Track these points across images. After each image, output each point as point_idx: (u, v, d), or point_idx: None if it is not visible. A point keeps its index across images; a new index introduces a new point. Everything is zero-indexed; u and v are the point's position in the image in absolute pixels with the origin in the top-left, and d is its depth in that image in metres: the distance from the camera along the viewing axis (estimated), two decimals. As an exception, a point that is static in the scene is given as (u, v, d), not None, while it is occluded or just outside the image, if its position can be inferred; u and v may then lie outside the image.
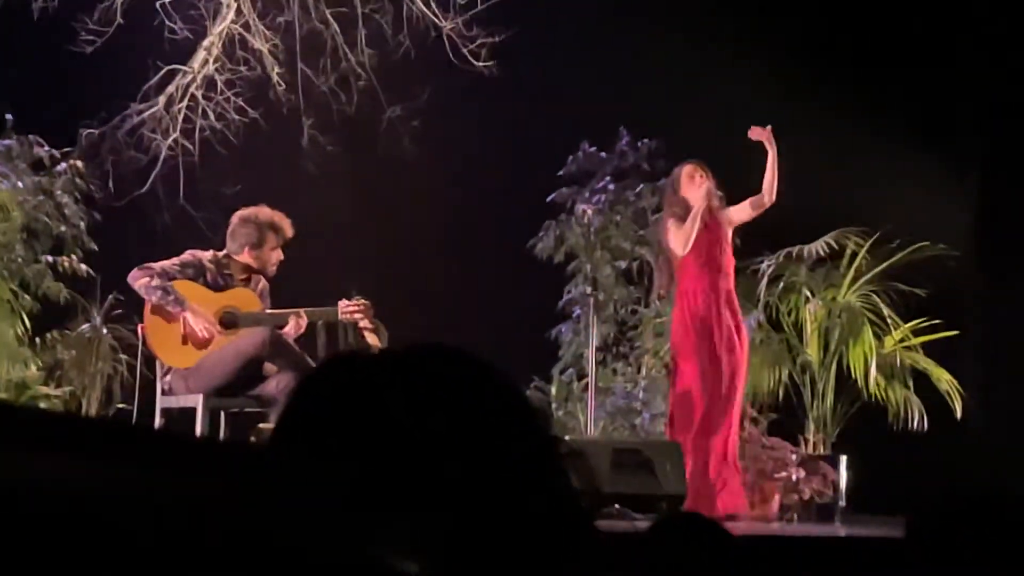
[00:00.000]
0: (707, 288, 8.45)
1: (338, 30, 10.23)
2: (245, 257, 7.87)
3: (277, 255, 7.91)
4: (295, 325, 7.76)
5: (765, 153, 8.53)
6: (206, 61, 10.03)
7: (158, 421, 7.81)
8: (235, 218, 7.95)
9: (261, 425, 6.99)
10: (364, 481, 1.12)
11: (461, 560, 1.11)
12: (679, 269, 8.55)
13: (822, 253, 10.04)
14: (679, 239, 8.47)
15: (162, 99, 9.96)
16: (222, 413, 7.92)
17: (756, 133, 8.57)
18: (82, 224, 9.23)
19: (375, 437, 1.22)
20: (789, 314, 9.97)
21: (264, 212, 7.91)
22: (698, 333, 8.40)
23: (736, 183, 8.62)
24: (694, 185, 8.51)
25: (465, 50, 10.21)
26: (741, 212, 8.63)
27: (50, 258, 9.07)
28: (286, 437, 1.28)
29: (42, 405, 8.42)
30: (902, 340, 9.86)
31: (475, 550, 1.17)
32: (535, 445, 1.28)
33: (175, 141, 9.92)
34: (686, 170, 8.59)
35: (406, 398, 1.25)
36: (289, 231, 7.91)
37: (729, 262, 8.61)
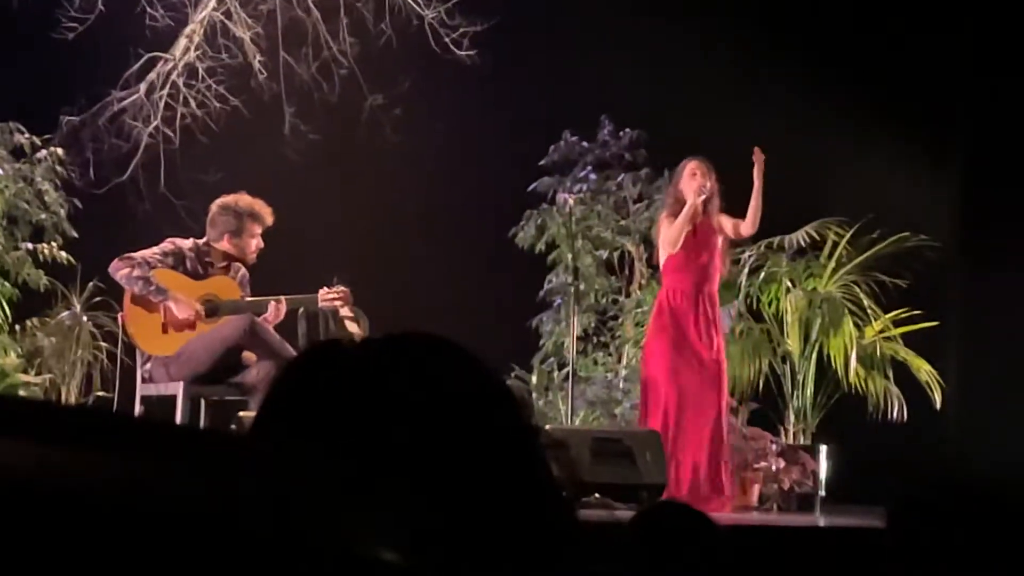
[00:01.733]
0: (688, 289, 8.43)
1: (320, 18, 10.21)
2: (225, 245, 7.86)
3: (257, 243, 7.89)
4: (275, 312, 7.76)
5: (751, 171, 8.45)
6: (187, 49, 10.01)
7: (138, 409, 7.80)
8: (214, 206, 7.93)
9: (242, 413, 6.98)
10: (345, 470, 1.11)
11: (442, 549, 1.11)
12: (664, 265, 8.54)
13: (803, 243, 10.05)
14: (668, 237, 8.46)
15: (143, 86, 9.93)
16: (202, 401, 7.91)
17: (757, 157, 8.50)
18: (62, 211, 9.20)
19: (355, 426, 1.21)
20: (770, 304, 9.99)
21: (244, 200, 7.89)
22: (673, 330, 8.38)
23: (719, 173, 8.60)
24: (692, 183, 8.47)
25: (447, 39, 10.20)
26: (726, 226, 8.59)
27: (30, 245, 9.04)
28: (267, 426, 1.28)
29: (21, 393, 8.40)
30: (882, 331, 9.88)
31: (455, 539, 1.16)
32: (516, 435, 1.28)
33: (156, 129, 9.90)
34: (689, 165, 8.55)
35: (387, 387, 1.25)
36: (269, 219, 7.90)
37: (715, 267, 8.57)
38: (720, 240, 8.59)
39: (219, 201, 7.93)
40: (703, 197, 8.43)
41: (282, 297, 7.77)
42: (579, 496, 1.34)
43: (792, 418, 9.69)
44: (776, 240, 10.05)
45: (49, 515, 0.73)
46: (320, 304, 7.85)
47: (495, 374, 1.31)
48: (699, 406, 8.30)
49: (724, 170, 8.68)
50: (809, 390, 9.72)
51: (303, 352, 1.34)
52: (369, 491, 0.96)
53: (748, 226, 8.54)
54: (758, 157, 8.44)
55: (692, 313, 8.39)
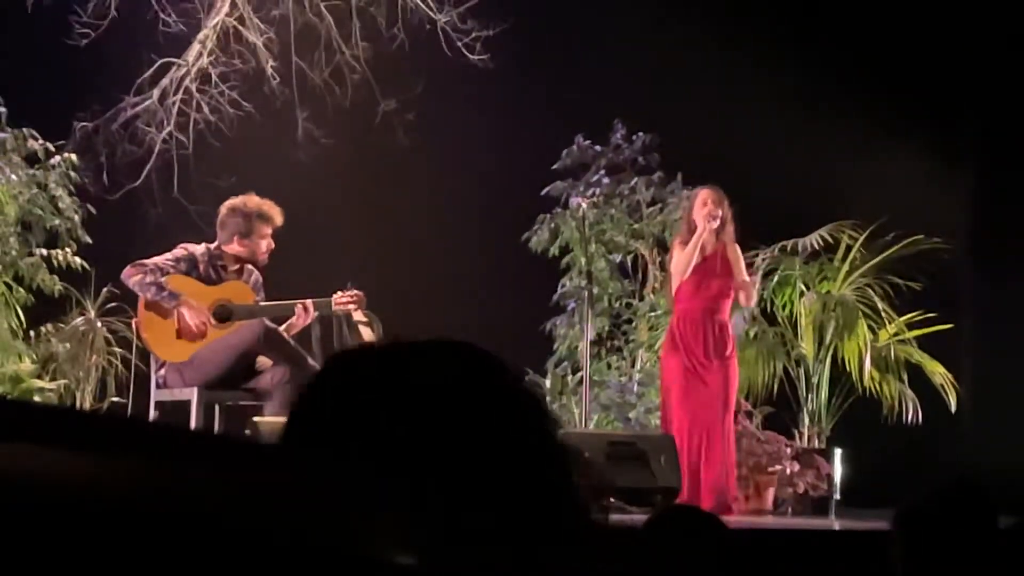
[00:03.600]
0: (698, 317, 8.43)
1: (332, 23, 10.22)
2: (235, 247, 7.86)
3: (268, 243, 7.89)
4: (303, 315, 7.75)
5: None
6: (200, 54, 10.02)
7: (152, 414, 7.80)
8: (223, 208, 7.93)
9: (256, 418, 6.99)
10: (363, 474, 1.11)
11: (457, 552, 1.11)
12: (676, 292, 8.53)
13: (817, 246, 10.05)
14: (679, 264, 8.45)
15: (156, 92, 9.95)
16: (216, 406, 7.92)
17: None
18: (76, 217, 9.21)
19: (385, 432, 1.22)
20: (784, 307, 9.98)
21: (252, 200, 7.89)
22: (684, 357, 8.38)
23: (730, 179, 8.59)
24: (703, 211, 8.45)
25: (459, 43, 10.20)
26: (738, 268, 8.60)
27: (44, 251, 9.05)
28: (298, 429, 1.28)
29: (36, 398, 8.41)
30: (896, 333, 9.87)
31: (472, 542, 1.16)
32: (544, 443, 1.29)
33: (169, 134, 9.92)
34: (701, 194, 8.53)
35: (411, 390, 1.25)
36: (278, 219, 7.89)
37: (727, 298, 8.55)
38: (730, 268, 8.56)
39: (228, 203, 7.94)
40: (713, 225, 8.41)
41: (308, 300, 7.77)
42: (598, 501, 1.35)
43: (806, 421, 9.68)
44: (790, 243, 10.04)
45: (62, 520, 0.73)
46: (334, 308, 7.85)
47: (525, 382, 1.32)
48: (707, 429, 8.29)
49: (739, 173, 8.67)
50: (823, 393, 9.71)
51: (336, 357, 1.35)
52: (386, 494, 0.97)
53: (747, 300, 8.62)
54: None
55: (701, 341, 8.38)
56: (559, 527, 1.24)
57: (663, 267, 9.68)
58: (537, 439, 1.28)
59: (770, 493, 9.00)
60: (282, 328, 7.73)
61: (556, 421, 1.31)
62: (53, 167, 9.24)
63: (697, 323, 8.40)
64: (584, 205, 9.23)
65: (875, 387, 9.69)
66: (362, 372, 1.28)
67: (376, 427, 1.22)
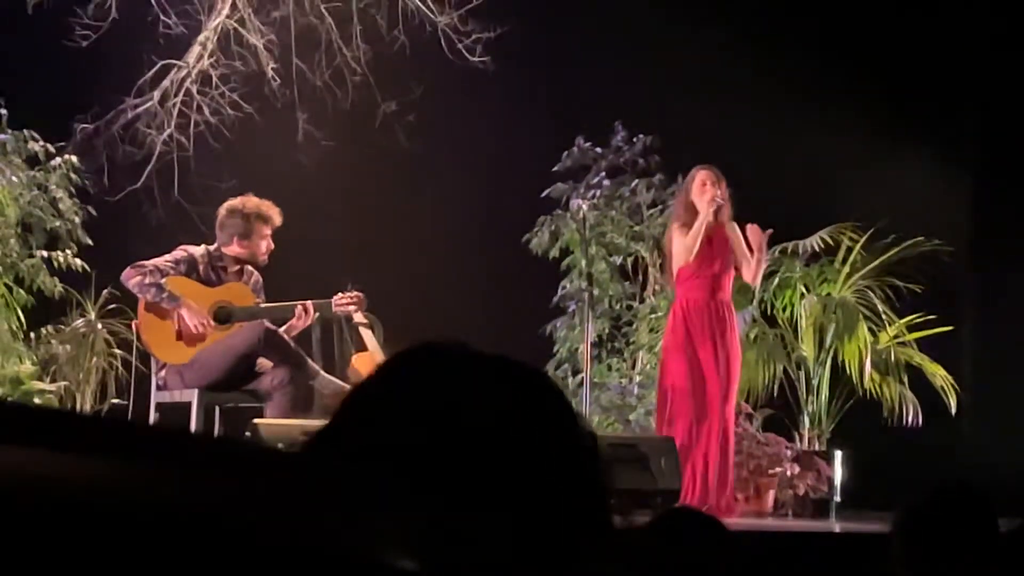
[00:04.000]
0: (702, 299, 8.42)
1: (333, 25, 10.22)
2: (235, 248, 7.87)
3: (267, 244, 7.90)
4: (303, 317, 7.75)
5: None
6: (201, 56, 10.02)
7: (153, 416, 7.81)
8: (222, 210, 7.95)
9: (256, 420, 6.98)
10: (372, 478, 1.11)
11: (464, 558, 1.11)
12: (677, 275, 8.52)
13: (817, 248, 10.05)
14: (681, 249, 8.42)
15: (157, 94, 9.94)
16: (217, 408, 7.92)
17: (753, 233, 8.52)
18: (77, 219, 9.20)
19: (448, 447, 1.22)
20: (784, 309, 9.98)
21: (251, 202, 7.90)
22: (688, 343, 8.37)
23: (730, 181, 8.59)
24: (703, 193, 8.42)
25: (460, 45, 10.20)
26: (739, 246, 8.57)
27: (44, 253, 9.04)
28: (352, 425, 1.28)
29: (36, 400, 8.42)
30: (897, 336, 9.86)
31: (481, 547, 1.17)
32: (581, 457, 1.29)
33: (170, 136, 9.91)
34: (699, 175, 8.49)
35: (486, 415, 1.25)
36: (277, 219, 7.90)
37: (728, 276, 8.56)
38: (731, 249, 8.56)
39: (226, 204, 7.95)
40: (714, 208, 8.40)
41: (309, 302, 7.77)
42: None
43: (807, 423, 9.68)
44: (790, 245, 10.04)
45: (62, 524, 0.73)
46: (334, 309, 7.85)
47: (563, 394, 1.32)
48: (710, 417, 8.29)
49: (739, 175, 8.67)
50: (824, 395, 9.71)
51: (402, 357, 1.34)
52: (397, 499, 0.97)
53: (752, 278, 8.56)
54: (756, 238, 8.45)
55: (707, 323, 8.38)
56: (570, 534, 1.25)
57: (663, 269, 9.67)
58: (588, 482, 1.28)
59: (770, 495, 9.00)
60: (282, 330, 7.73)
61: (608, 467, 1.32)
62: (54, 169, 9.23)
63: (700, 303, 8.40)
64: (585, 207, 9.22)
65: (875, 389, 9.69)
66: (432, 384, 1.28)
67: (438, 443, 1.22)
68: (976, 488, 3.37)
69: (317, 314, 7.91)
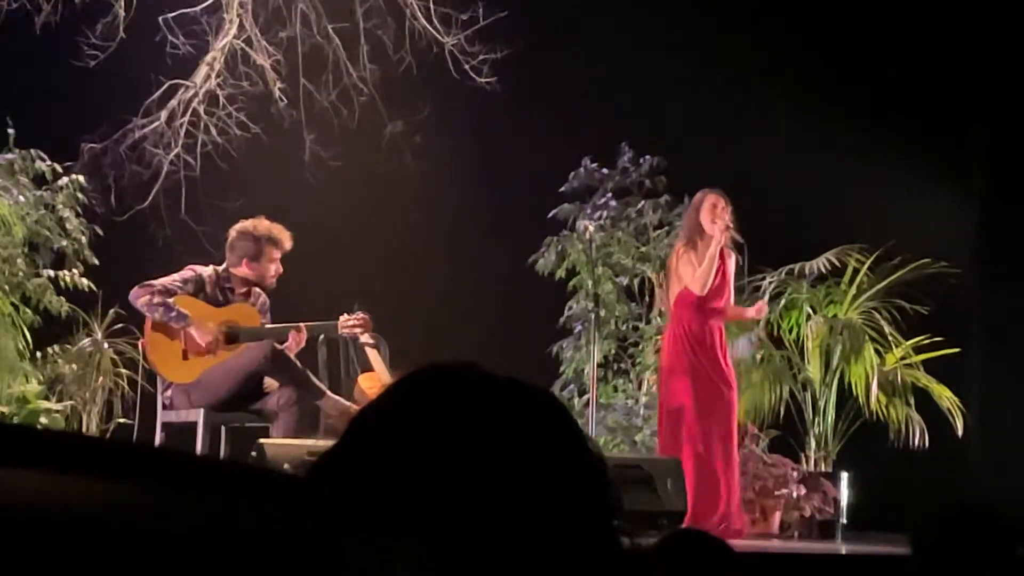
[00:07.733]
0: (700, 323, 8.41)
1: (340, 45, 10.23)
2: (244, 270, 7.88)
3: (276, 267, 7.90)
4: (296, 339, 7.76)
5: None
6: (208, 76, 10.03)
7: (159, 436, 7.81)
8: (233, 231, 7.95)
9: (262, 440, 6.98)
10: (386, 502, 1.11)
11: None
12: (678, 298, 8.50)
13: (823, 270, 10.04)
14: (697, 280, 8.36)
15: (164, 114, 9.96)
16: (223, 428, 7.92)
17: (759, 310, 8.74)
18: (83, 238, 9.21)
19: (455, 469, 1.23)
20: (790, 331, 9.97)
21: (262, 224, 7.91)
22: (687, 365, 8.37)
23: (736, 202, 8.58)
24: (715, 217, 8.38)
25: (467, 66, 10.21)
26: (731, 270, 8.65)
27: (51, 272, 9.05)
28: (358, 444, 1.28)
29: (43, 420, 8.42)
30: (903, 357, 9.85)
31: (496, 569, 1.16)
32: (589, 479, 1.29)
33: (177, 156, 9.92)
34: (709, 198, 8.44)
35: (496, 439, 1.25)
36: (287, 243, 7.91)
37: (727, 301, 8.57)
38: (729, 274, 8.57)
39: (237, 226, 7.96)
40: (728, 236, 8.39)
41: (302, 324, 7.78)
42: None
43: (813, 445, 9.66)
44: (797, 267, 10.04)
45: (70, 547, 0.73)
46: (340, 331, 7.86)
47: (566, 415, 1.32)
48: (711, 437, 8.28)
49: (746, 196, 8.66)
50: (830, 417, 9.69)
51: (413, 378, 1.34)
52: (405, 521, 0.96)
53: (698, 288, 8.51)
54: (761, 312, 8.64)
55: (704, 347, 8.37)
56: (594, 558, 1.25)
57: (662, 286, 9.66)
58: (596, 504, 1.28)
59: (776, 517, 8.98)
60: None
61: (616, 489, 1.32)
62: (61, 188, 9.24)
63: (697, 330, 8.39)
64: (591, 228, 9.23)
65: (882, 411, 9.67)
66: (442, 405, 1.28)
67: (447, 463, 1.23)
68: (993, 513, 3.36)
69: (321, 336, 7.91)
